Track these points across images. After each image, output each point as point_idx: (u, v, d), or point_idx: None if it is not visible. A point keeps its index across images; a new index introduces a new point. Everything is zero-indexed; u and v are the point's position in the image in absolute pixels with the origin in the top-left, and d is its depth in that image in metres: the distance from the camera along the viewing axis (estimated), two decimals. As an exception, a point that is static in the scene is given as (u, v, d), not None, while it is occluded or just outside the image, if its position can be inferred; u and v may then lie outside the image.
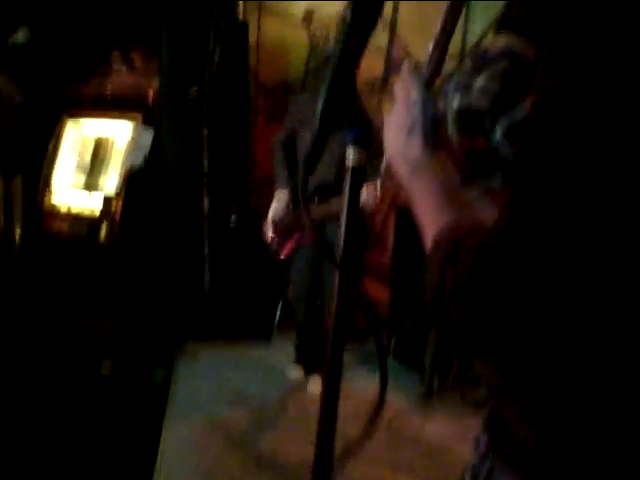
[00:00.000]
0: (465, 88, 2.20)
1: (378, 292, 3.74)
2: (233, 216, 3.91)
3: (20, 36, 2.46)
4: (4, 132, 4.23)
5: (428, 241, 0.71)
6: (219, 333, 3.79)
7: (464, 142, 2.16)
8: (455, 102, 2.18)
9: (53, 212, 4.16)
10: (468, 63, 1.88)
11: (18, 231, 4.12)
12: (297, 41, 4.34)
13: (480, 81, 2.17)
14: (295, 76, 4.43)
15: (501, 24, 2.28)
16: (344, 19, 0.75)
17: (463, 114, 2.18)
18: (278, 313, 4.08)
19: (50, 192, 4.23)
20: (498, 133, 2.07)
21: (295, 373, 3.48)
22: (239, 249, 3.91)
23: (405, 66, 0.82)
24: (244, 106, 4.11)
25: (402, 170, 0.79)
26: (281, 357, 3.65)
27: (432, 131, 0.78)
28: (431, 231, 0.71)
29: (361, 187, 0.84)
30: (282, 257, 3.36)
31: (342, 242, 0.82)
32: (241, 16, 4.39)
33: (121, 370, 3.50)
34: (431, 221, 0.73)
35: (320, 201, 3.07)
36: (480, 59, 2.19)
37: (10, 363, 3.25)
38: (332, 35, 4.27)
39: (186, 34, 3.89)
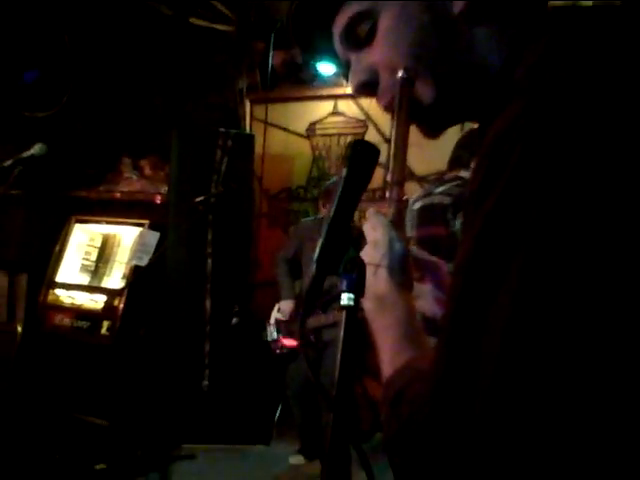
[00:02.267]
0: (428, 194, 2.46)
1: (378, 392, 3.71)
2: (234, 318, 3.95)
3: (37, 150, 2.59)
4: (11, 232, 4.36)
5: (382, 381, 0.73)
6: (217, 435, 3.73)
7: (424, 231, 2.37)
8: (417, 204, 2.42)
9: (55, 309, 4.21)
10: (428, 185, 2.12)
11: (19, 328, 4.14)
12: (300, 151, 4.58)
13: (441, 188, 2.43)
14: (298, 183, 4.64)
15: (452, 164, 2.61)
16: (340, 174, 0.80)
17: (425, 210, 2.41)
18: (277, 416, 4.04)
19: (54, 290, 4.29)
20: (457, 222, 2.27)
21: (296, 461, 3.54)
22: (239, 350, 3.93)
23: (372, 209, 0.86)
24: (248, 211, 4.27)
25: (367, 305, 0.80)
26: (280, 459, 3.58)
27: (399, 269, 0.80)
28: (386, 372, 0.73)
29: (356, 327, 0.82)
30: (280, 351, 3.50)
31: (337, 378, 0.79)
32: (248, 128, 4.66)
33: (115, 473, 3.42)
34: (387, 361, 0.75)
35: (323, 311, 3.24)
36: (438, 179, 2.45)
37: (5, 461, 3.18)
38: (333, 147, 4.53)
39: (195, 145, 4.09)
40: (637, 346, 0.51)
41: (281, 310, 3.64)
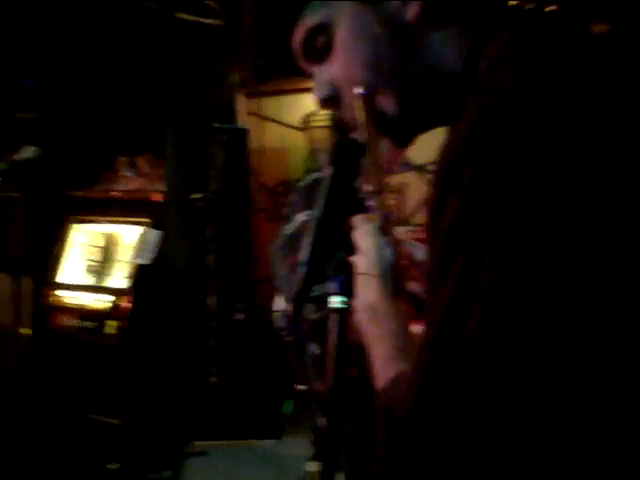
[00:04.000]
0: None
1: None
2: (240, 313, 3.99)
3: (29, 153, 2.60)
4: (13, 234, 4.37)
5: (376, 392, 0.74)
6: (228, 430, 3.79)
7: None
8: None
9: (61, 310, 4.22)
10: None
11: (27, 331, 4.17)
12: (296, 144, 4.58)
13: None
14: (295, 176, 4.65)
15: None
16: (326, 176, 0.81)
17: None
18: (289, 408, 4.08)
19: (58, 291, 4.31)
20: None
21: (313, 467, 3.48)
22: (246, 344, 3.97)
23: (359, 216, 0.85)
24: (246, 206, 4.28)
25: (359, 315, 0.81)
26: (293, 453, 3.62)
27: (389, 277, 0.80)
28: (378, 384, 0.74)
29: (347, 329, 0.85)
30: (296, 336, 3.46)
31: (332, 382, 0.81)
32: (242, 122, 4.65)
33: (128, 472, 3.48)
34: (379, 372, 0.75)
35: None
36: None
37: (16, 462, 3.23)
38: (329, 138, 4.53)
39: (189, 141, 4.09)
40: (599, 342, 0.54)
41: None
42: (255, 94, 4.59)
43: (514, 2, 0.76)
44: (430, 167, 3.95)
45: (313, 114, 4.48)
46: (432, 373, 0.57)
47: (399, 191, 3.97)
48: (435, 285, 0.59)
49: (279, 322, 3.59)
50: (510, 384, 0.53)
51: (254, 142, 4.35)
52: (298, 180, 4.58)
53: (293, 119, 4.58)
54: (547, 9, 0.72)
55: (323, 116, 4.41)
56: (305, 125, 4.54)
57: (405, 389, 0.61)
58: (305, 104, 4.49)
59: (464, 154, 0.56)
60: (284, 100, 4.59)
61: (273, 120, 4.61)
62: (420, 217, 3.89)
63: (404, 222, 3.66)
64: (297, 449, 3.60)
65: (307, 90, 4.48)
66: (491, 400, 0.53)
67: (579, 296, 0.53)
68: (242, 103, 4.65)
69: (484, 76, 0.67)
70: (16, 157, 2.62)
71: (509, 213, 0.53)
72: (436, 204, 0.59)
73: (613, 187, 0.54)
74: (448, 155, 0.59)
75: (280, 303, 3.64)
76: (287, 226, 3.18)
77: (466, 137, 0.57)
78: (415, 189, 3.87)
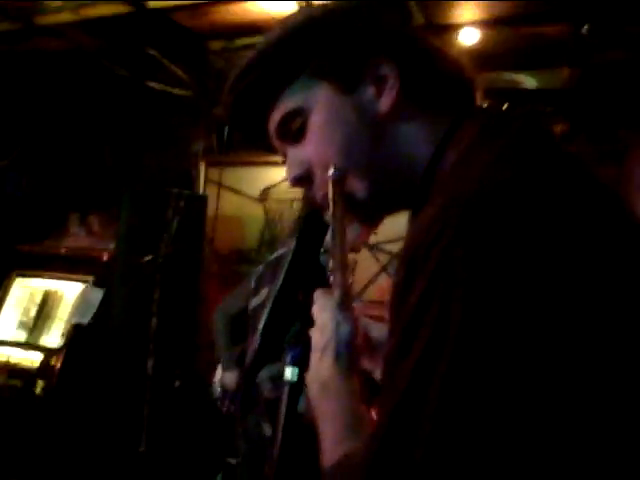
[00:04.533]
0: None
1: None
2: (177, 380, 3.85)
3: None
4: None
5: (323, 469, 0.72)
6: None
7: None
8: None
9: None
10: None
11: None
12: (253, 215, 4.61)
13: None
14: (249, 246, 4.65)
15: None
16: (289, 247, 0.85)
17: None
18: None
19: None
20: None
21: None
22: (181, 413, 3.81)
23: (319, 291, 0.85)
24: (196, 272, 4.23)
25: (312, 389, 0.80)
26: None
27: (344, 354, 0.80)
28: (326, 462, 0.73)
29: (297, 404, 0.83)
30: (227, 409, 3.29)
31: (277, 456, 0.80)
32: (201, 190, 4.69)
33: None
34: (328, 450, 0.74)
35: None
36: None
37: None
38: (286, 211, 4.58)
39: (146, 204, 4.08)
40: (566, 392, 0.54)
41: (225, 383, 3.19)
42: (216, 163, 4.65)
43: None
44: (381, 246, 4.01)
45: (271, 187, 4.55)
46: (387, 451, 0.56)
47: (352, 268, 4.00)
48: (392, 366, 0.59)
49: (216, 393, 3.47)
50: (464, 466, 0.53)
51: (211, 210, 4.36)
52: (254, 250, 4.63)
53: (252, 190, 4.63)
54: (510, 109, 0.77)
55: (281, 189, 4.49)
56: (263, 197, 4.60)
57: (355, 468, 0.61)
58: (264, 177, 4.57)
59: (433, 240, 0.57)
60: (244, 171, 4.66)
61: (232, 189, 4.65)
62: (369, 293, 3.91)
63: (355, 297, 3.65)
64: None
65: (267, 164, 4.56)
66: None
67: (540, 387, 0.54)
68: (203, 171, 4.70)
69: (453, 167, 0.70)
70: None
71: (474, 299, 0.54)
72: (401, 287, 0.60)
73: (576, 280, 0.56)
74: (416, 241, 0.60)
75: (219, 373, 3.53)
76: (254, 299, 3.06)
77: (436, 223, 0.58)
78: (366, 267, 3.89)
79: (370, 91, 0.77)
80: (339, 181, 0.76)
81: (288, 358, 0.82)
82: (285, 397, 0.80)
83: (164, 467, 3.67)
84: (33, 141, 4.70)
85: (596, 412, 0.55)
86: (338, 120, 0.76)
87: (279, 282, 0.81)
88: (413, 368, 0.56)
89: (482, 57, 3.31)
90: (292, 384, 0.81)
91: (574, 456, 0.54)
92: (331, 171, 0.76)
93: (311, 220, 0.85)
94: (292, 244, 0.84)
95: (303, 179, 0.81)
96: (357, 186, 0.77)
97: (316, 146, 0.78)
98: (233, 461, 3.64)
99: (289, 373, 0.81)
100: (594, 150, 3.42)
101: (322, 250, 0.89)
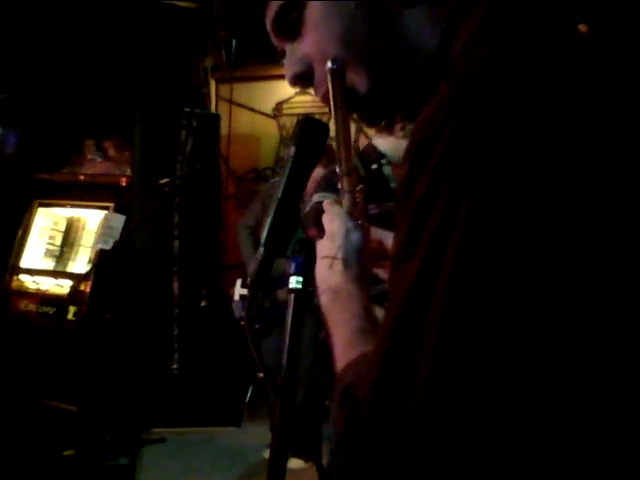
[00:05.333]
0: None
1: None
2: (203, 300, 3.93)
3: None
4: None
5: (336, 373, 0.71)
6: (187, 417, 3.73)
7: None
8: None
9: (20, 294, 4.12)
10: None
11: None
12: (267, 131, 4.54)
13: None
14: (265, 164, 4.60)
15: None
16: (288, 153, 0.79)
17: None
18: (248, 397, 4.05)
19: (18, 275, 4.21)
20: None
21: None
22: (209, 332, 3.91)
23: (328, 201, 0.85)
24: (215, 193, 4.23)
25: (323, 298, 0.80)
26: (252, 441, 3.59)
27: (355, 261, 0.80)
28: (338, 366, 0.72)
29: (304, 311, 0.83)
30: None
31: (285, 362, 0.81)
32: (213, 108, 4.60)
33: (84, 458, 3.41)
34: (340, 356, 0.73)
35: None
36: None
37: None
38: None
39: (159, 125, 4.03)
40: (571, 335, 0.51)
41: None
42: (227, 79, 4.53)
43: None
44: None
45: (285, 101, 4.45)
46: (393, 357, 0.55)
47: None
48: (398, 265, 0.57)
49: (237, 312, 3.56)
50: (472, 375, 0.51)
51: (224, 128, 4.29)
52: (270, 168, 4.59)
53: (265, 106, 4.54)
54: None
55: (295, 103, 4.39)
56: (277, 112, 4.51)
57: (365, 370, 0.59)
58: (277, 91, 4.46)
59: (436, 131, 0.54)
60: (256, 87, 4.55)
61: (244, 106, 4.56)
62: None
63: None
64: (256, 437, 3.58)
65: (279, 77, 4.45)
66: (451, 391, 0.51)
67: (549, 285, 0.51)
68: (213, 88, 4.60)
69: (458, 56, 0.65)
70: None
71: (480, 192, 0.51)
72: (406, 183, 0.57)
73: (586, 169, 0.52)
74: (419, 133, 0.56)
75: (237, 291, 3.60)
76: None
77: (438, 115, 0.54)
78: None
79: None
80: (338, 73, 0.71)
81: (292, 267, 0.81)
82: (291, 305, 0.80)
83: (196, 384, 3.82)
84: (41, 70, 4.61)
85: (606, 317, 0.52)
86: (336, 9, 0.71)
87: (279, 189, 0.79)
88: (418, 270, 0.54)
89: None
90: (297, 292, 0.80)
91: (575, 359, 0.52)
92: (329, 63, 0.71)
93: (309, 125, 0.80)
94: (291, 150, 0.79)
95: (303, 76, 0.77)
96: (358, 78, 0.73)
97: (314, 39, 0.73)
98: (261, 375, 3.77)
99: (294, 282, 0.80)
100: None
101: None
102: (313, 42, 0.74)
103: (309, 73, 0.76)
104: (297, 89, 4.42)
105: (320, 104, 0.83)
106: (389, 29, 0.71)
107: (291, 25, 0.75)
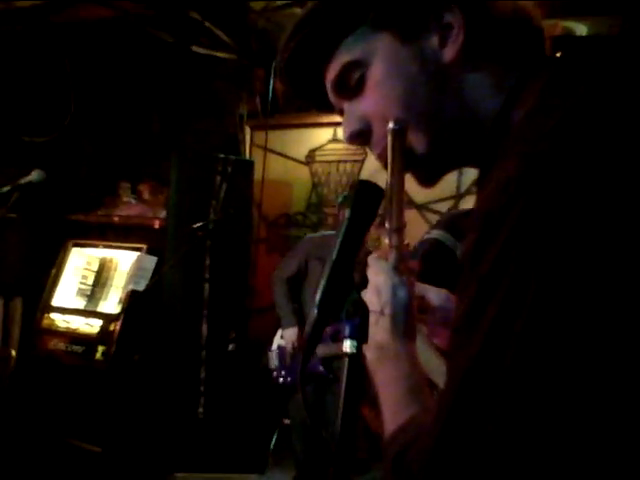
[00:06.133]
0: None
1: (375, 421, 3.68)
2: (231, 344, 3.92)
3: (36, 176, 2.62)
4: (7, 255, 4.34)
5: (384, 437, 0.70)
6: (211, 463, 3.67)
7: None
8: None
9: (50, 333, 4.16)
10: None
11: (14, 352, 4.10)
12: (300, 177, 4.60)
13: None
14: (297, 209, 4.64)
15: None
16: (343, 215, 0.79)
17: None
18: (273, 443, 3.98)
19: (49, 314, 4.25)
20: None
21: None
22: (236, 376, 3.89)
23: (372, 255, 0.84)
24: (246, 237, 4.26)
25: (369, 355, 0.79)
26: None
27: (402, 317, 0.79)
28: (388, 428, 0.71)
29: (358, 375, 0.80)
30: (284, 381, 3.37)
31: (339, 430, 0.77)
32: (247, 154, 4.68)
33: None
34: (389, 417, 0.72)
35: (333, 340, 3.08)
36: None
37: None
38: (332, 173, 4.55)
39: (194, 170, 4.10)
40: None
41: (284, 338, 3.47)
42: (261, 127, 4.62)
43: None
44: (431, 206, 3.94)
45: (318, 149, 4.51)
46: (453, 427, 0.55)
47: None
48: (461, 332, 0.57)
49: (272, 363, 3.54)
50: (544, 432, 0.52)
51: (257, 174, 4.36)
52: (301, 214, 4.63)
53: (298, 153, 4.60)
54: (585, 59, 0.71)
55: (327, 151, 4.45)
56: (309, 159, 4.57)
57: (422, 438, 0.59)
58: (310, 139, 4.53)
59: (507, 203, 0.55)
60: (290, 134, 4.63)
61: (278, 153, 4.63)
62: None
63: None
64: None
65: (312, 125, 4.54)
66: (523, 447, 0.52)
67: (617, 355, 0.52)
68: (248, 135, 4.69)
69: (521, 124, 0.66)
70: (22, 180, 2.64)
71: (548, 270, 0.52)
72: (473, 250, 0.58)
73: None
74: (489, 203, 0.58)
75: (276, 341, 3.60)
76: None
77: (509, 186, 0.55)
78: (414, 227, 3.84)
79: (434, 40, 0.73)
80: (399, 134, 0.73)
81: (347, 330, 0.79)
82: (345, 370, 0.78)
83: (221, 429, 3.77)
84: (82, 112, 4.76)
85: None
86: (399, 71, 0.73)
87: (334, 252, 0.79)
88: (485, 337, 0.54)
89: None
90: (352, 356, 0.78)
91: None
92: (391, 124, 0.73)
93: (364, 188, 0.80)
94: (345, 214, 0.79)
95: (361, 134, 0.79)
96: (418, 140, 0.74)
97: (376, 99, 0.75)
98: (288, 421, 3.72)
99: (348, 346, 0.78)
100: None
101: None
102: (374, 102, 0.76)
103: (367, 131, 0.78)
104: (329, 137, 4.54)
105: (352, 152, 0.85)
106: (450, 93, 0.73)
107: (352, 84, 0.77)
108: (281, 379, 3.44)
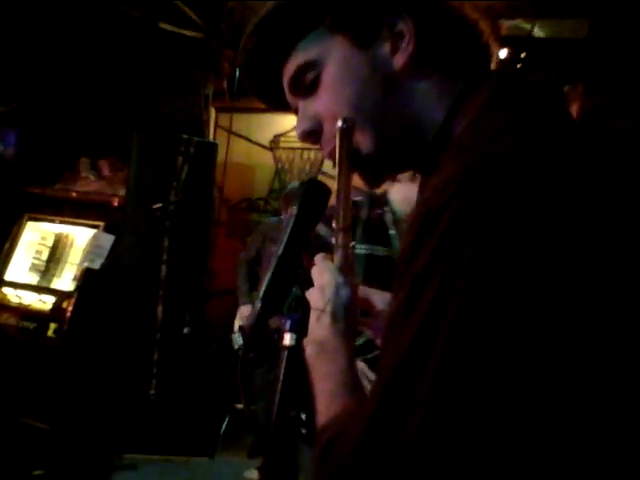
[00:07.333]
0: None
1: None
2: (187, 327, 3.91)
3: None
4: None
5: (317, 427, 0.72)
6: (161, 445, 3.68)
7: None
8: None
9: (2, 308, 4.08)
10: None
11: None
12: (263, 162, 4.58)
13: None
14: (258, 194, 4.63)
15: None
16: (291, 212, 0.82)
17: None
18: (223, 428, 4.00)
19: (1, 288, 4.17)
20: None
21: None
22: (189, 359, 3.88)
23: (319, 255, 0.86)
24: (207, 220, 4.24)
25: (308, 349, 0.81)
26: (225, 470, 3.55)
27: (342, 316, 0.81)
28: (320, 420, 0.73)
29: (295, 367, 0.84)
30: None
31: (274, 418, 0.81)
32: (211, 136, 4.64)
33: (53, 479, 3.34)
34: (322, 409, 0.74)
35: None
36: None
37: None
38: (296, 160, 4.54)
39: (156, 149, 4.04)
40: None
41: (240, 315, 3.60)
42: (227, 109, 4.58)
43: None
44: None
45: (282, 135, 4.51)
46: (383, 415, 0.56)
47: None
48: (395, 325, 0.59)
49: (237, 344, 3.54)
50: (461, 436, 0.53)
51: (221, 156, 4.33)
52: (263, 199, 4.62)
53: (262, 138, 4.59)
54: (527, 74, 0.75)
55: (291, 137, 4.44)
56: (274, 145, 4.56)
57: (352, 427, 0.60)
58: (275, 124, 4.52)
59: (443, 205, 0.57)
60: (255, 118, 4.60)
61: (242, 136, 4.60)
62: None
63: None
64: (230, 467, 3.53)
65: (278, 110, 4.49)
66: (438, 451, 0.53)
67: (544, 355, 0.53)
68: (213, 117, 4.64)
69: (463, 132, 0.70)
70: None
71: (480, 267, 0.54)
72: (410, 250, 0.59)
73: (582, 261, 0.55)
74: (426, 206, 0.59)
75: (238, 321, 3.62)
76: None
77: (446, 191, 0.57)
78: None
79: (386, 47, 0.76)
80: (347, 133, 0.76)
81: (287, 324, 0.82)
82: (283, 362, 0.82)
83: (172, 412, 3.77)
84: (43, 84, 4.64)
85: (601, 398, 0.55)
86: (351, 74, 0.76)
87: (280, 248, 0.81)
88: (415, 333, 0.55)
89: (502, 4, 3.20)
90: (291, 348, 0.82)
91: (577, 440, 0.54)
92: (339, 122, 0.75)
93: (313, 187, 0.84)
94: (292, 210, 0.83)
95: (312, 133, 0.82)
96: (364, 140, 0.77)
97: (327, 99, 0.78)
98: (240, 406, 3.75)
99: (288, 338, 0.82)
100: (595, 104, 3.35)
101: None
102: (326, 102, 0.79)
103: (319, 130, 0.81)
104: (294, 124, 4.48)
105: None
106: (398, 99, 0.76)
107: (307, 84, 0.80)
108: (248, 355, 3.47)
